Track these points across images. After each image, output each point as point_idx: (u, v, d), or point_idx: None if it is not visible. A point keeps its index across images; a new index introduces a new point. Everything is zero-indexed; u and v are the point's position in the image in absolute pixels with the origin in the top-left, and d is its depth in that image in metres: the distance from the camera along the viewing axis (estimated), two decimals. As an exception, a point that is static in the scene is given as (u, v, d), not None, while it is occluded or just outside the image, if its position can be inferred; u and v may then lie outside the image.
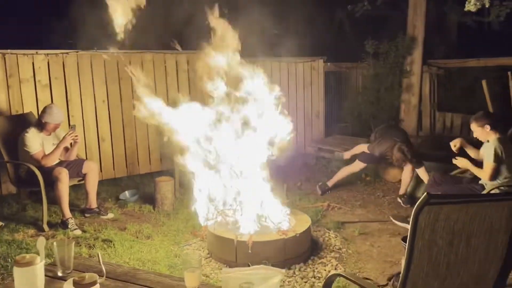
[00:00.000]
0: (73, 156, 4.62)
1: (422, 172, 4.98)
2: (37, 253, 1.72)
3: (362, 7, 8.13)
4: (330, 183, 5.46)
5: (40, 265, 1.68)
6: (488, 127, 3.80)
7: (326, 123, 7.91)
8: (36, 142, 4.33)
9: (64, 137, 4.41)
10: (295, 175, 5.92)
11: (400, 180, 5.48)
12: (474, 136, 3.92)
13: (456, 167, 4.20)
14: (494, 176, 3.78)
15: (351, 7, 8.36)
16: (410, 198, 5.10)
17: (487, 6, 3.88)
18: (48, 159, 4.33)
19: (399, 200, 5.15)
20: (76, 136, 4.45)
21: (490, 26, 9.07)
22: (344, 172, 5.49)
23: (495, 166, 3.71)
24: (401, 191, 5.19)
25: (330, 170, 6.29)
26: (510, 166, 3.76)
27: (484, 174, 3.82)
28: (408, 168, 5.10)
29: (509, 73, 5.98)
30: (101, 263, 1.82)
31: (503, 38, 9.71)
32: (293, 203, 4.86)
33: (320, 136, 7.66)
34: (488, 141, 3.82)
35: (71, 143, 4.49)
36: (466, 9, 3.87)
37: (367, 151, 5.27)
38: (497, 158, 3.70)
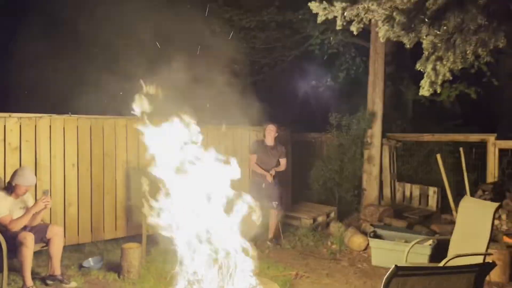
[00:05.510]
0: (37, 221, 4.52)
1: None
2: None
3: (325, 83, 8.73)
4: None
5: None
6: None
7: (293, 190, 8.11)
8: (4, 206, 4.24)
9: (36, 202, 4.33)
10: (262, 242, 5.96)
11: (364, 249, 5.67)
12: None
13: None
14: None
15: (315, 82, 8.96)
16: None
17: (438, 92, 4.34)
18: (16, 224, 4.22)
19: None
20: (48, 202, 4.38)
21: (442, 104, 9.86)
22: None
23: None
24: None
25: (297, 237, 6.38)
26: None
27: None
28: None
29: (461, 149, 6.52)
30: None
31: (454, 114, 10.58)
32: (262, 272, 4.88)
33: (287, 203, 7.81)
34: None
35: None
36: (420, 93, 4.30)
37: None
38: None
